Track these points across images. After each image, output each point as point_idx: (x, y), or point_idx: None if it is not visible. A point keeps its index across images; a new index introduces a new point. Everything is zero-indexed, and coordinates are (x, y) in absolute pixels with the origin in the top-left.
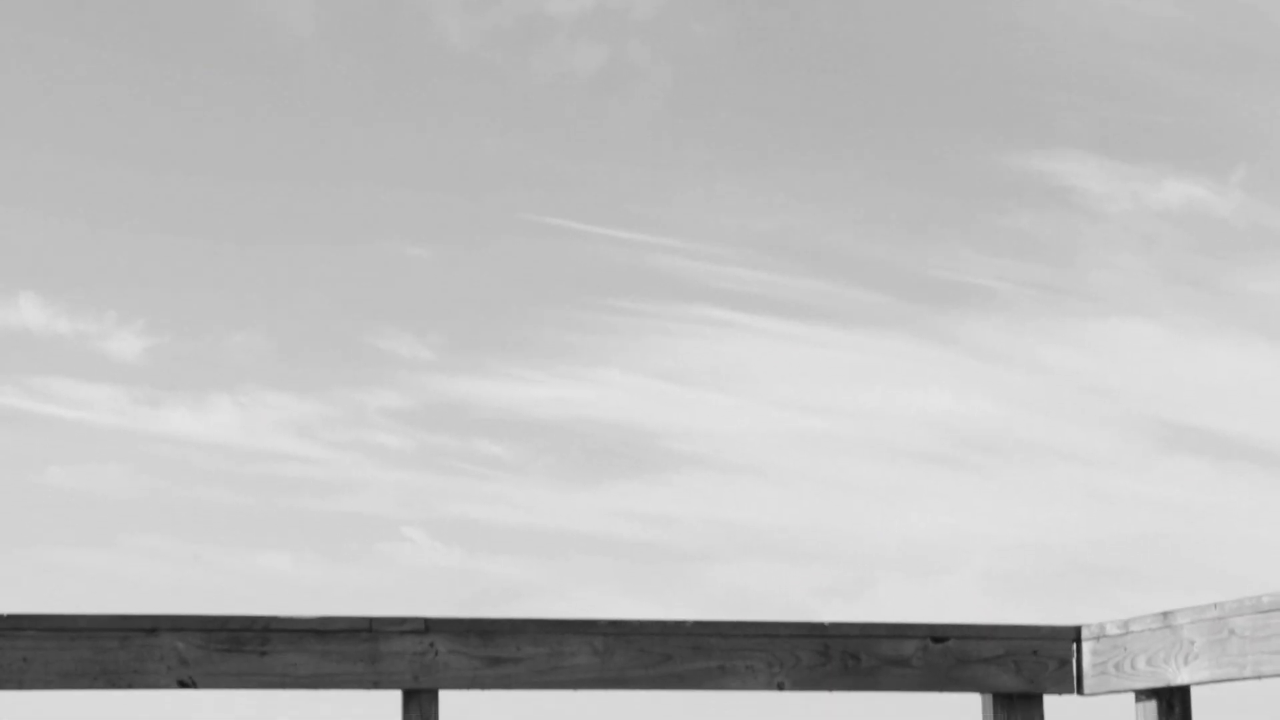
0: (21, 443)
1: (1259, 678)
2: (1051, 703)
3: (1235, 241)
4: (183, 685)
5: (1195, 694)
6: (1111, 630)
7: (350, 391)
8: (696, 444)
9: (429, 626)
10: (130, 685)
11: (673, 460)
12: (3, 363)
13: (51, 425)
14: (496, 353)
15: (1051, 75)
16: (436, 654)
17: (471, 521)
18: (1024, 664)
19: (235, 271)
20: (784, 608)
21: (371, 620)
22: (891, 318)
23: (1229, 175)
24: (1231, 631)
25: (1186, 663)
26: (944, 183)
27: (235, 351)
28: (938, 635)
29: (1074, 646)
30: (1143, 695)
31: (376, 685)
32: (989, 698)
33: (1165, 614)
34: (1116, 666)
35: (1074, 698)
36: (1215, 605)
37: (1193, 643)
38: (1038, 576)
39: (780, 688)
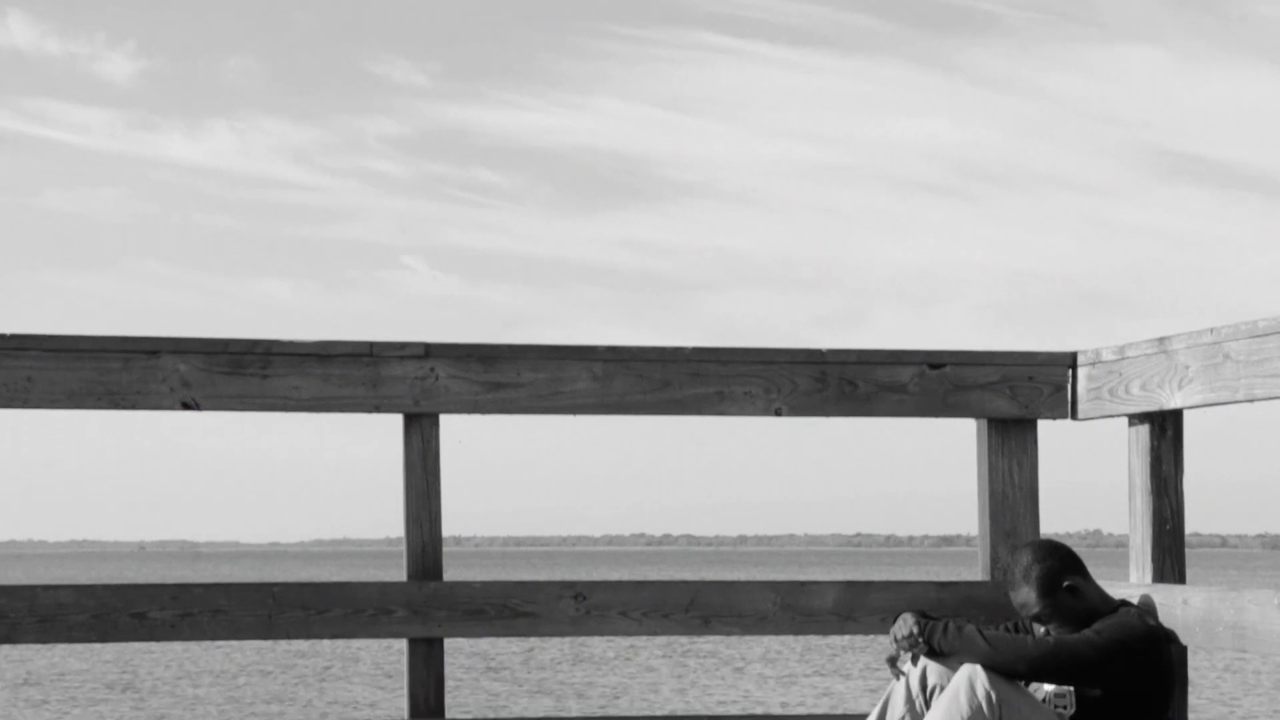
0: (16, 165)
1: (1251, 400)
2: (1046, 427)
3: None
4: (185, 406)
5: (1187, 418)
6: (1107, 356)
7: (347, 118)
8: (693, 173)
9: (429, 351)
10: (134, 406)
11: (670, 189)
12: None
13: (46, 148)
14: (493, 80)
15: None
16: (437, 379)
17: (470, 250)
18: (1019, 389)
19: None
20: (781, 336)
21: (372, 345)
22: (892, 44)
23: None
24: (1226, 356)
25: (1180, 387)
26: None
27: (229, 76)
28: (934, 362)
29: (1069, 372)
30: (1136, 419)
31: (377, 409)
32: (984, 423)
33: (1161, 339)
34: (1111, 392)
35: (1068, 423)
36: (1211, 330)
37: (1187, 367)
38: (1035, 305)
39: (778, 413)
